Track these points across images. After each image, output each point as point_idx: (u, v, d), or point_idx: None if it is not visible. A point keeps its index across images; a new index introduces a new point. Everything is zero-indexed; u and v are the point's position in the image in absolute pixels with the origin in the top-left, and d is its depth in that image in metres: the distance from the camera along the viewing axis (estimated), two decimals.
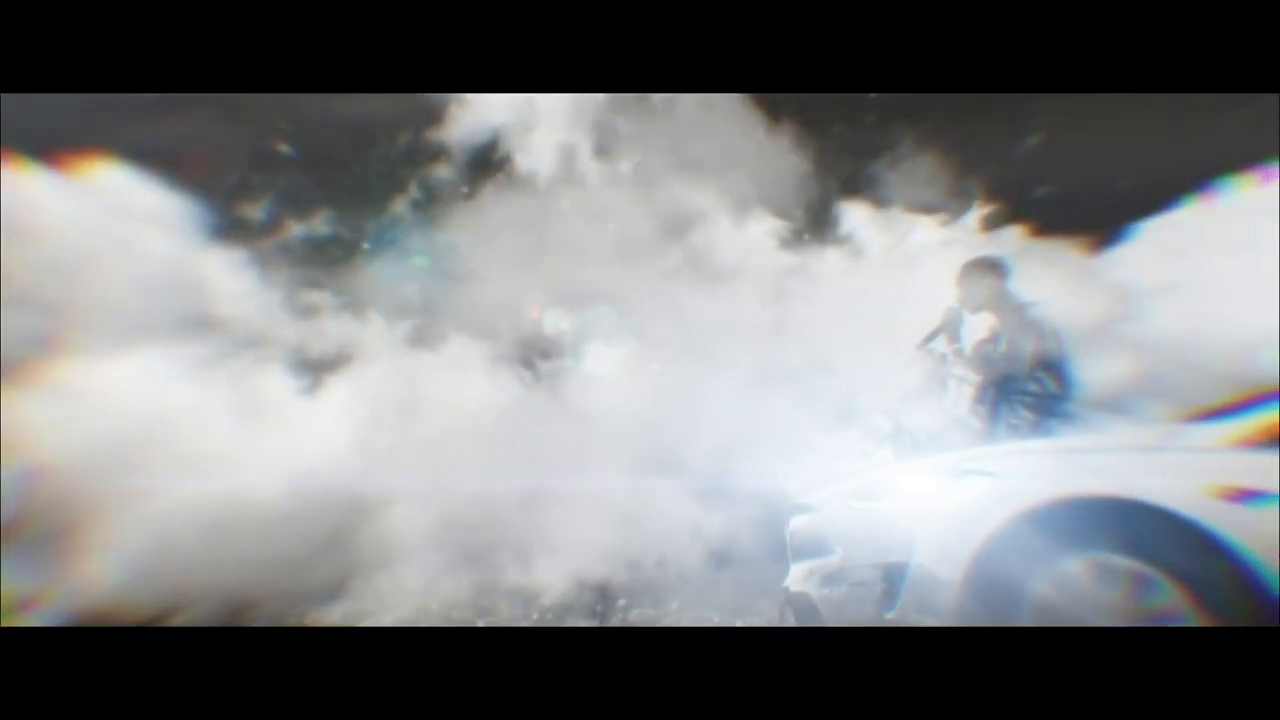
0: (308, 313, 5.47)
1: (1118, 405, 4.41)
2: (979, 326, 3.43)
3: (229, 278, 5.09)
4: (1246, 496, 1.71)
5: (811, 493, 2.61)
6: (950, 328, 3.46)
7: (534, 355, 5.68)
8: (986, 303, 3.39)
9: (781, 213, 5.85)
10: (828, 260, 5.80)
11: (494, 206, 5.78)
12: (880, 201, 5.83)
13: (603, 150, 5.94)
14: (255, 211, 5.48)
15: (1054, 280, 4.54)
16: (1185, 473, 1.81)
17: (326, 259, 5.61)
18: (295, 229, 5.58)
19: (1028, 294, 3.37)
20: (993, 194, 5.66)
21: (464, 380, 5.39)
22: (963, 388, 3.34)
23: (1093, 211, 5.31)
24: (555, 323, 5.77)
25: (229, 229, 5.16)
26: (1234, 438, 1.86)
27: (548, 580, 4.67)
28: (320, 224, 5.64)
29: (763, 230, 5.93)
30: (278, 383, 5.12)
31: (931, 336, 3.49)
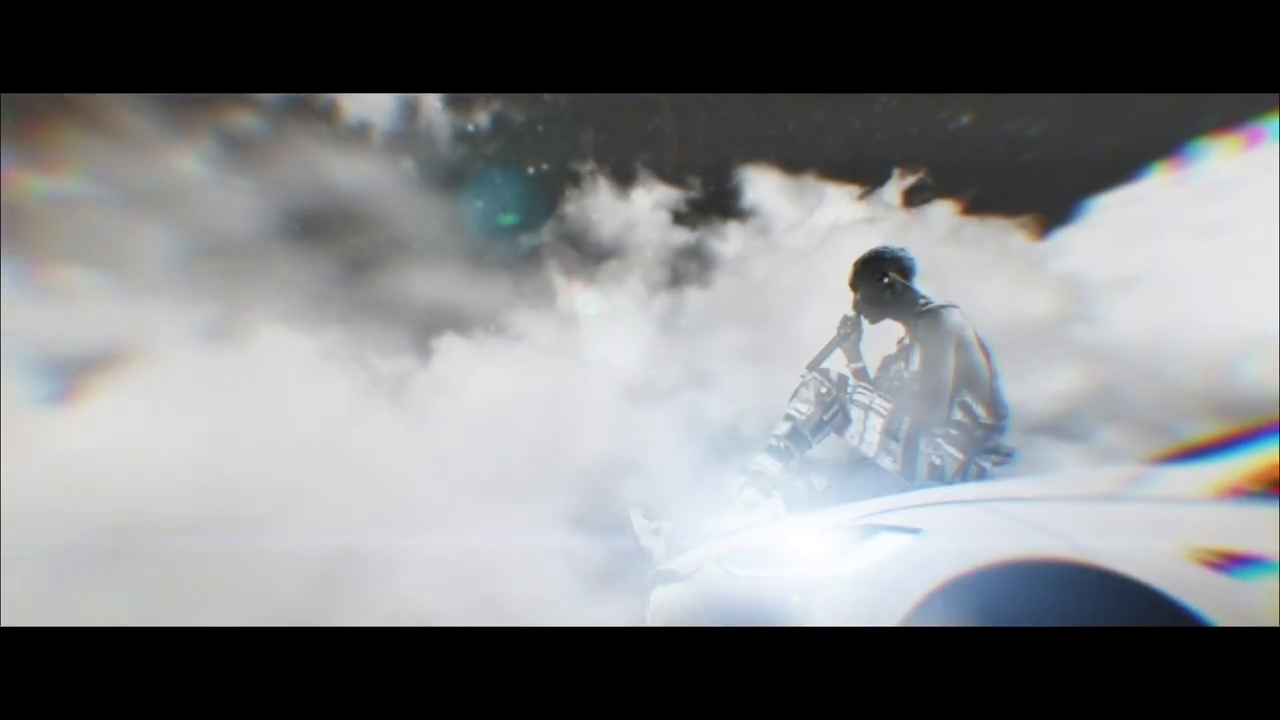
0: (55, 294, 4.78)
1: (1068, 432, 4.31)
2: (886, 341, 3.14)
3: None
4: (1236, 563, 1.50)
5: (679, 556, 2.30)
6: (848, 343, 3.18)
7: (373, 353, 5.27)
8: (890, 309, 3.12)
9: (674, 180, 5.66)
10: (728, 238, 5.59)
11: (317, 162, 5.30)
12: (789, 169, 5.68)
13: (454, 100, 5.54)
14: None
15: (987, 272, 4.45)
16: (1157, 530, 1.63)
17: (83, 223, 4.90)
18: (32, 183, 4.81)
19: (942, 296, 3.09)
20: (918, 162, 5.65)
21: (280, 384, 4.98)
22: (870, 419, 2.98)
23: (1037, 184, 5.31)
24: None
25: None
26: (1222, 484, 1.65)
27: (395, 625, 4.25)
28: (75, 178, 4.92)
29: (650, 201, 5.65)
30: (8, 387, 4.43)
31: (824, 354, 3.17)
